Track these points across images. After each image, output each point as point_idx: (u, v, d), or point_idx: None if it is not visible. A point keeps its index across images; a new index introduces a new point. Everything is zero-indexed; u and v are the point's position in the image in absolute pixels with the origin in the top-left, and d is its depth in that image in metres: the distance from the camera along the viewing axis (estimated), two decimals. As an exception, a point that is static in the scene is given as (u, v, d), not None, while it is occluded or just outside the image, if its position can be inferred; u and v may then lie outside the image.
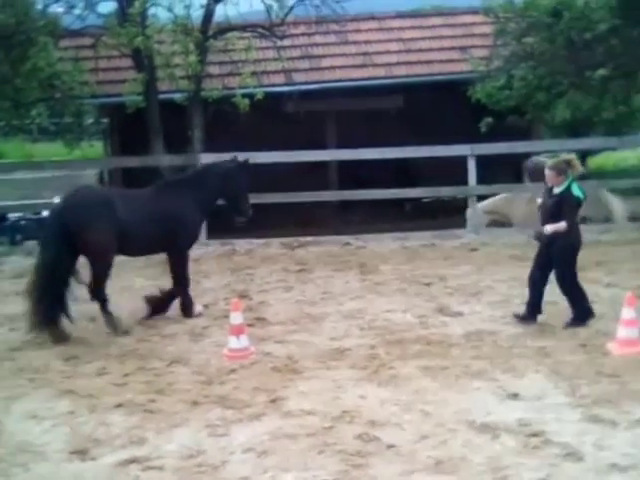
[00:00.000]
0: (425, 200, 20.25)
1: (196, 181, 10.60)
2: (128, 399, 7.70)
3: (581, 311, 9.56)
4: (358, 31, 22.10)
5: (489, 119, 17.53)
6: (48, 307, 9.45)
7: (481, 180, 15.75)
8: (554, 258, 9.46)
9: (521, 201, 16.62)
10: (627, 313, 8.68)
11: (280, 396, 7.65)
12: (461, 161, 15.69)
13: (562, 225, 9.24)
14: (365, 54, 21.26)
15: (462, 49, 21.21)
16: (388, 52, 21.45)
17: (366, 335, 9.61)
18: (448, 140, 16.56)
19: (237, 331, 8.91)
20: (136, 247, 10.29)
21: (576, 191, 9.35)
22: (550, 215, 9.39)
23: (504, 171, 20.33)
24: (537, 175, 20.17)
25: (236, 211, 10.98)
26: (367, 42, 21.85)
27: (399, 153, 16.96)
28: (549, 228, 9.27)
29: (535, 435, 6.63)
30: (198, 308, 10.58)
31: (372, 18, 22.95)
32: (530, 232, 10.07)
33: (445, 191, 16.95)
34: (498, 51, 18.62)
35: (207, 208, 10.79)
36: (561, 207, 9.30)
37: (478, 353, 8.77)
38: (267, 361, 8.72)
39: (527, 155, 20.24)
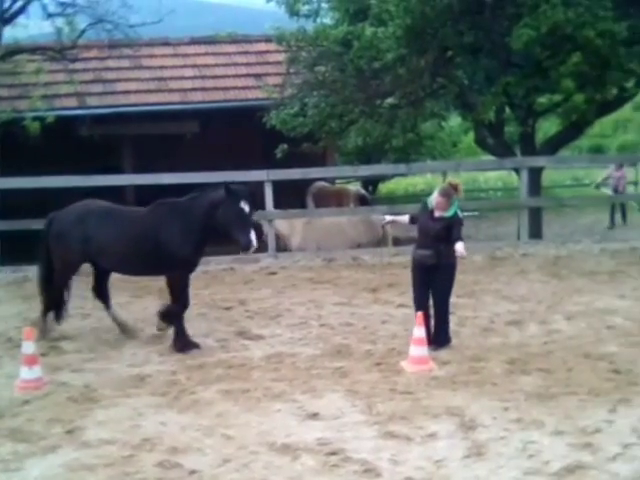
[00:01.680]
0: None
1: (186, 207, 10.05)
2: None
3: (445, 335, 9.75)
4: (152, 56, 21.97)
5: (284, 145, 17.83)
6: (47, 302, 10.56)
7: (278, 205, 15.97)
8: (441, 280, 9.56)
9: (298, 225, 16.99)
10: (418, 332, 9.04)
11: (77, 426, 7.44)
12: (259, 186, 15.85)
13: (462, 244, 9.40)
14: (160, 79, 21.14)
15: (257, 76, 21.50)
16: (183, 78, 21.44)
17: (166, 361, 9.51)
18: (245, 165, 16.70)
19: (29, 361, 8.59)
20: (116, 265, 10.45)
21: (461, 214, 9.65)
22: (436, 238, 9.47)
23: (301, 196, 20.79)
24: (320, 199, 20.79)
25: (234, 241, 9.90)
26: (162, 67, 21.75)
27: (196, 178, 16.91)
28: (463, 251, 9.30)
29: (334, 453, 6.77)
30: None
31: (166, 44, 22.87)
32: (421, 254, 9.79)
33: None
34: (291, 79, 19.00)
35: (199, 236, 9.94)
36: (451, 230, 9.42)
37: (278, 375, 8.86)
38: (63, 391, 8.46)
39: (320, 180, 20.77)
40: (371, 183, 30.17)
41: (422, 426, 7.34)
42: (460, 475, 6.39)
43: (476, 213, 22.02)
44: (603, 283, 12.84)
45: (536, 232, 17.99)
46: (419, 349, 9.02)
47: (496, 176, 35.08)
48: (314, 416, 7.65)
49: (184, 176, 16.38)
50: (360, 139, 17.59)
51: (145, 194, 19.05)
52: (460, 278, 13.10)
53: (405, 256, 15.31)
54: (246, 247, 9.72)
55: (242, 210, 9.64)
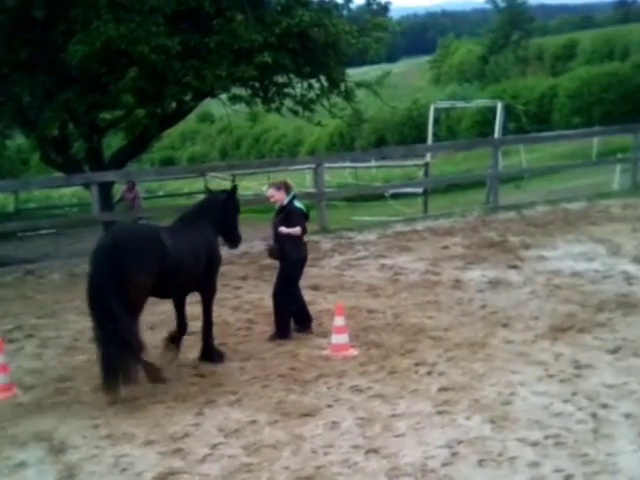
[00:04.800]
0: None
1: (211, 212, 9.67)
2: None
3: (283, 327, 10.09)
4: None
5: None
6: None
7: None
8: (281, 272, 10.12)
9: None
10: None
11: None
12: None
13: (297, 230, 9.89)
14: None
15: None
16: None
17: None
18: None
19: None
20: (182, 286, 9.25)
21: (298, 204, 10.05)
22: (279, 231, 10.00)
23: None
24: None
25: (229, 241, 10.10)
26: None
27: None
28: (284, 230, 9.85)
29: None
30: None
31: None
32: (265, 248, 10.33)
33: None
34: None
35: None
36: (289, 218, 9.89)
37: None
38: None
39: None
40: None
41: (9, 456, 7.11)
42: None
43: (53, 230, 21.55)
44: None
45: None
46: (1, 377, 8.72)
47: (71, 192, 34.70)
48: None
49: None
50: None
51: None
52: (39, 298, 12.88)
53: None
54: (238, 245, 10.26)
55: (237, 212, 10.10)
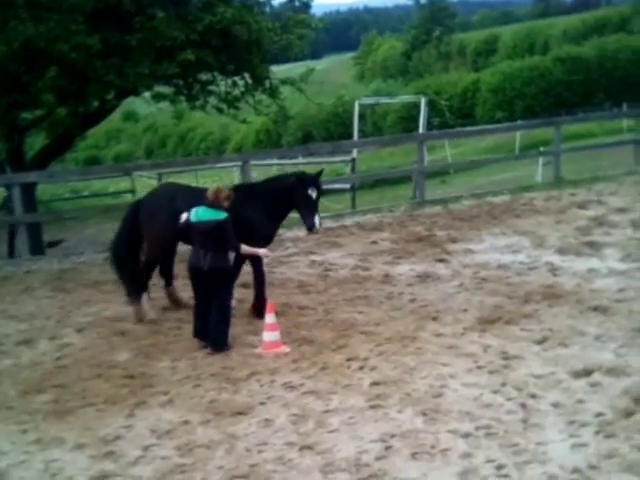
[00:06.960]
0: None
1: (259, 190, 11.13)
2: None
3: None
4: None
5: None
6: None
7: None
8: None
9: None
10: None
11: None
12: None
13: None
14: None
15: None
16: None
17: None
18: None
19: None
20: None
21: (192, 213, 9.69)
22: None
23: None
24: None
25: (304, 222, 11.13)
26: None
27: None
28: None
29: None
30: None
31: None
32: None
33: None
34: None
35: (273, 216, 11.04)
36: None
37: None
38: None
39: None
40: None
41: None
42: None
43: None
44: (109, 292, 13.00)
45: (37, 248, 17.70)
46: None
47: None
48: None
49: None
50: None
51: None
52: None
53: None
54: (310, 229, 10.92)
55: (307, 197, 10.82)
